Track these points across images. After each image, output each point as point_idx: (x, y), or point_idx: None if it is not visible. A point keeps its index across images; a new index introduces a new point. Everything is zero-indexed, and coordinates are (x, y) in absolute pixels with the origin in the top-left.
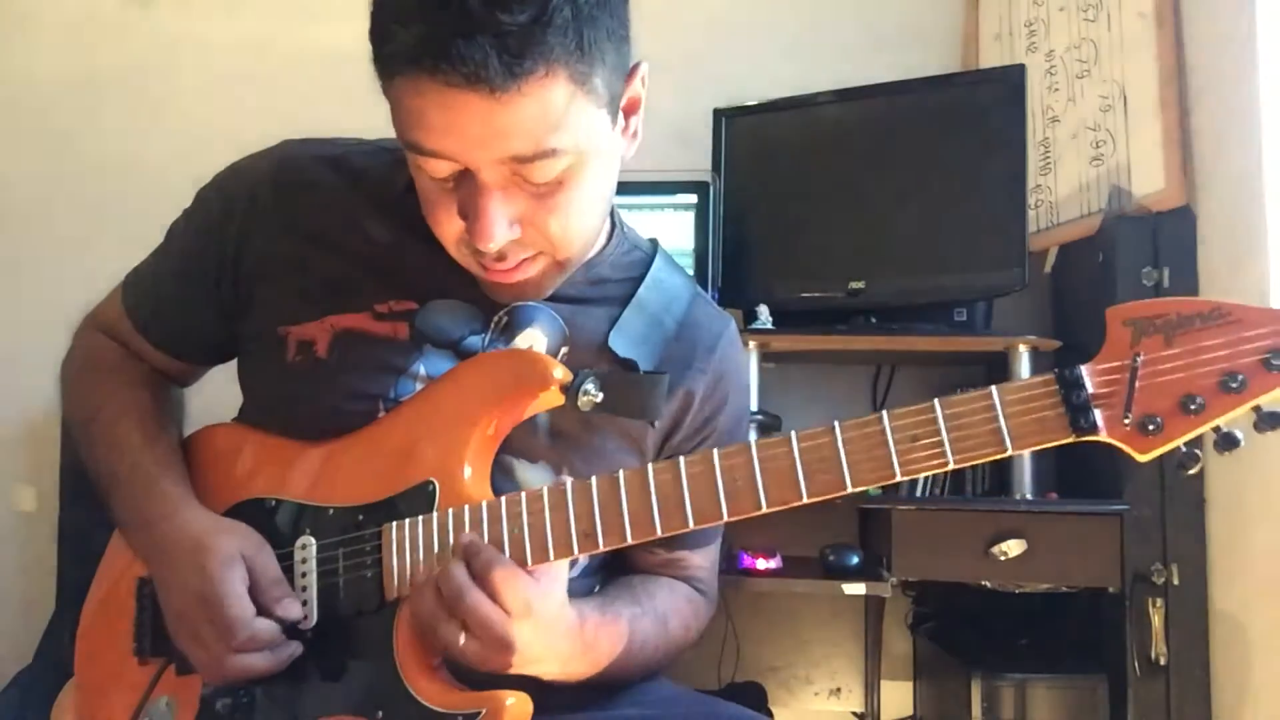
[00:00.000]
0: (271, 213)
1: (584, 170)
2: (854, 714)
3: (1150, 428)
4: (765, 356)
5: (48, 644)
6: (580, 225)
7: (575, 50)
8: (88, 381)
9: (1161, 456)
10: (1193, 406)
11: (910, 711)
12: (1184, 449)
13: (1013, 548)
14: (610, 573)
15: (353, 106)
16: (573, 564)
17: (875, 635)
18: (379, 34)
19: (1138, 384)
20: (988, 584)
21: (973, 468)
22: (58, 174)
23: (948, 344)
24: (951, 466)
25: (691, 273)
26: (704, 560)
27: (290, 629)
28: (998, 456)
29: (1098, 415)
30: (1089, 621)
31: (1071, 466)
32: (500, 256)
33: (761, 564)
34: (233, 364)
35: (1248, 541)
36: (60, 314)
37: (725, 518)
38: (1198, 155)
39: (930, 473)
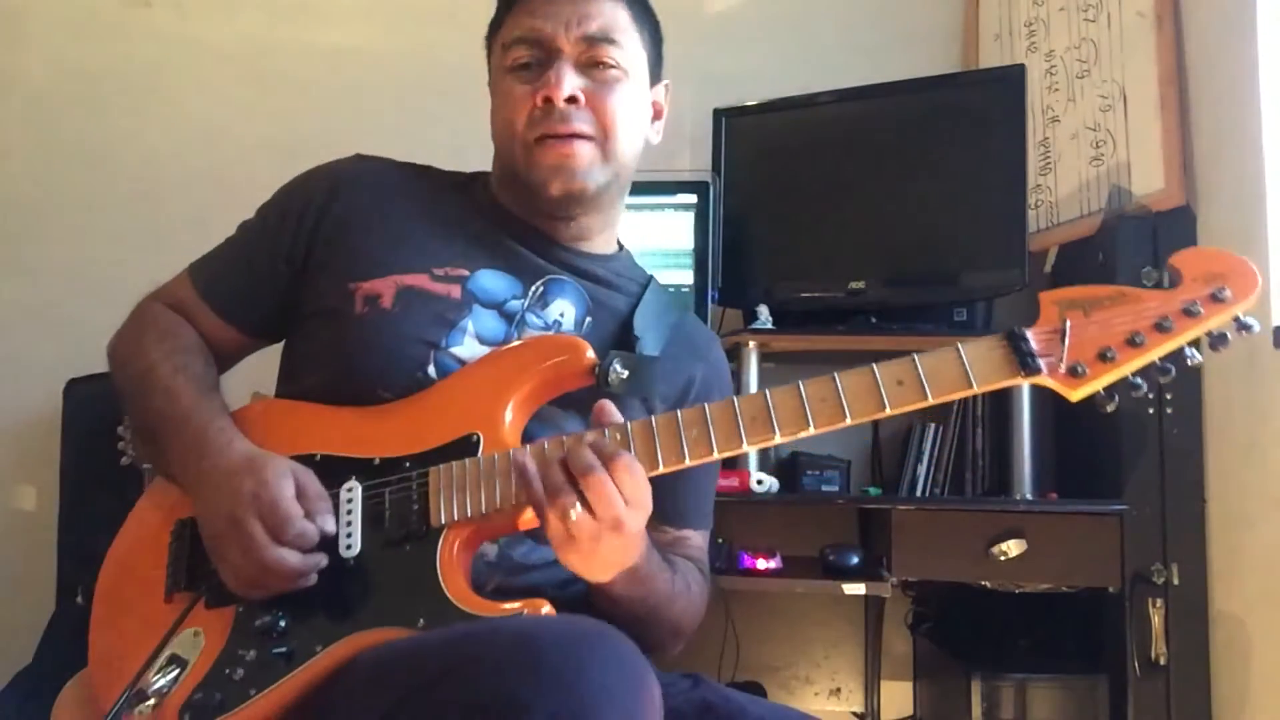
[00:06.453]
0: (350, 189)
1: (628, 87)
2: (854, 714)
3: (1079, 371)
4: (765, 356)
5: (48, 644)
6: (624, 126)
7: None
8: (146, 339)
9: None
10: (1109, 356)
11: (910, 711)
12: (1103, 392)
13: (1013, 548)
14: None
15: (351, 106)
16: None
17: (875, 635)
18: None
19: (1067, 340)
20: (988, 584)
21: (973, 468)
22: (57, 174)
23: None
24: (930, 402)
25: (691, 273)
26: (702, 542)
27: (327, 548)
28: (965, 394)
29: (1041, 362)
30: (1089, 621)
31: (1072, 466)
32: (563, 118)
33: (761, 564)
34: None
35: (1248, 541)
36: (59, 314)
37: (745, 444)
38: (1198, 155)
39: (910, 408)
